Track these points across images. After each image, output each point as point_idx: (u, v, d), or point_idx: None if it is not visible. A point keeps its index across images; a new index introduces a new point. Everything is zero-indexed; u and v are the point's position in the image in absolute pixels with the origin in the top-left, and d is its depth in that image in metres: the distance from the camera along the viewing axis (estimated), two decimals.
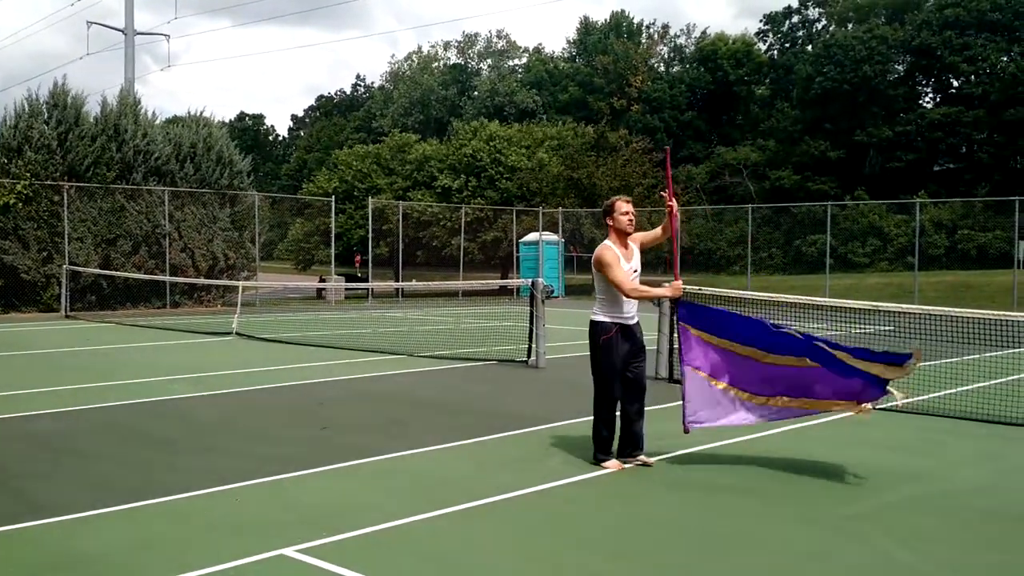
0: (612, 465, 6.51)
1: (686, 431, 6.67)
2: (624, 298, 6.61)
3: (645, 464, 6.61)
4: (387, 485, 6.24)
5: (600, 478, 6.33)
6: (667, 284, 6.84)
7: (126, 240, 24.55)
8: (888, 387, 6.35)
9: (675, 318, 6.67)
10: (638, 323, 6.75)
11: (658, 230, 7.10)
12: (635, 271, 6.72)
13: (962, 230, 42.23)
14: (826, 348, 6.36)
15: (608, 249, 6.63)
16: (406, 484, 6.26)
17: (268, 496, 5.90)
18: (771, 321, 6.70)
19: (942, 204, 42.34)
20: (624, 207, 6.70)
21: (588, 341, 6.76)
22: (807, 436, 7.94)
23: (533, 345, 12.57)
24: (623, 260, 6.63)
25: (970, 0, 51.46)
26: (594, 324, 6.71)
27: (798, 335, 6.46)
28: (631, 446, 6.67)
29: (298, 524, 5.21)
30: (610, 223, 6.74)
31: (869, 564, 4.68)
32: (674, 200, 6.86)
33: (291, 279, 38.77)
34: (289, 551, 4.72)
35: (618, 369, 6.57)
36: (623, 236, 6.73)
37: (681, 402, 6.71)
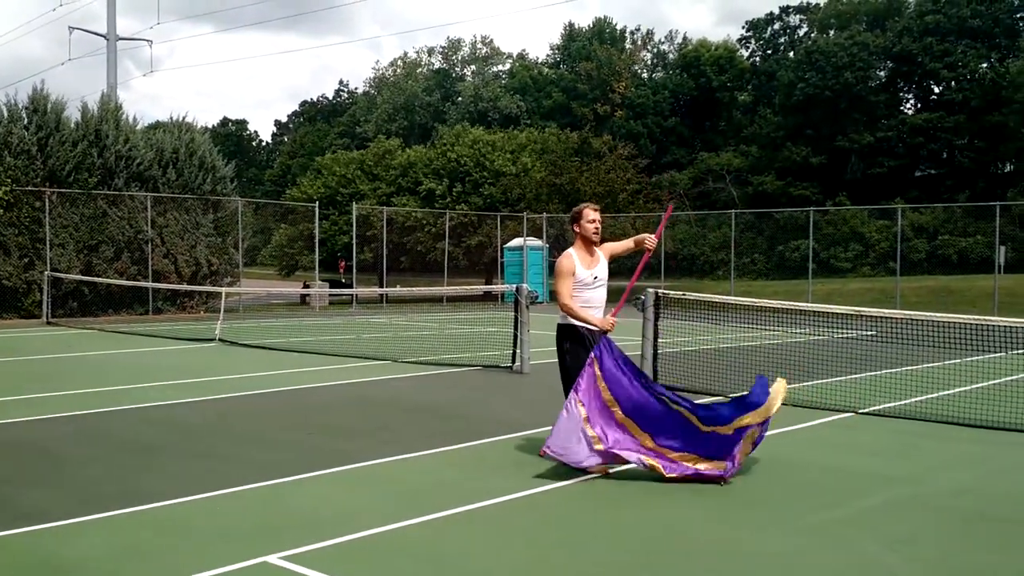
0: (596, 469, 6.52)
1: (541, 454, 6.42)
2: (585, 296, 6.74)
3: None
4: (372, 491, 6.23)
5: (585, 482, 6.33)
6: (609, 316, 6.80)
7: (108, 246, 24.42)
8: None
9: (593, 350, 6.53)
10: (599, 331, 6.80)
11: (630, 242, 7.21)
12: (596, 277, 6.80)
13: (943, 235, 42.55)
14: (700, 426, 6.36)
15: (567, 258, 6.76)
16: (391, 490, 6.25)
17: (253, 502, 5.88)
18: (665, 398, 6.46)
19: (923, 209, 42.63)
20: (591, 215, 6.81)
21: (556, 346, 6.86)
22: (789, 441, 7.98)
23: (518, 351, 12.58)
24: (582, 267, 6.72)
25: (950, 7, 51.91)
26: (560, 328, 6.83)
27: (682, 414, 6.37)
28: None
29: (283, 530, 5.20)
30: (577, 230, 6.86)
31: (852, 568, 4.71)
32: (654, 243, 6.94)
33: (275, 285, 38.72)
34: (273, 558, 4.71)
35: None
36: (589, 244, 6.83)
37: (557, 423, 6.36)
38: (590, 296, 6.75)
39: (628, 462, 6.34)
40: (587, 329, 6.70)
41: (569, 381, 6.69)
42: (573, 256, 6.75)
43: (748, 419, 6.36)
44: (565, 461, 6.35)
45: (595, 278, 6.76)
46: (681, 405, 6.45)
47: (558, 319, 6.85)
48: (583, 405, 6.31)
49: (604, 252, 6.94)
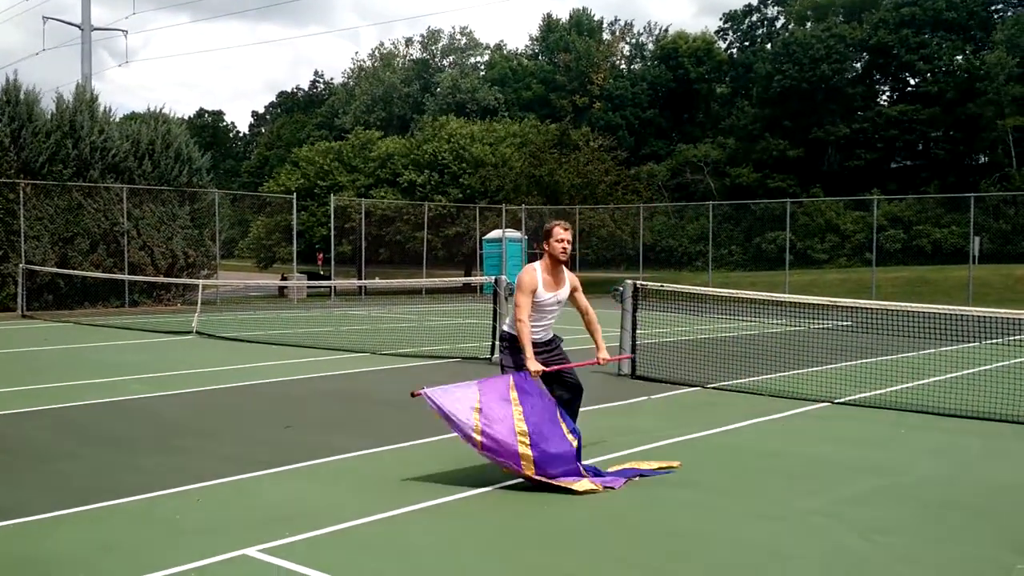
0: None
1: (414, 394, 6.16)
2: (538, 315, 6.51)
3: None
4: (350, 483, 6.23)
5: None
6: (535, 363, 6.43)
7: (84, 238, 24.22)
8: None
9: (514, 375, 6.34)
10: (552, 339, 6.72)
11: (589, 325, 6.88)
12: (559, 302, 6.59)
13: (918, 226, 42.89)
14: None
15: (529, 273, 6.47)
16: (369, 482, 6.25)
17: (231, 496, 5.87)
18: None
19: (898, 201, 42.96)
20: (561, 234, 6.49)
21: (508, 352, 6.57)
22: (765, 430, 8.04)
23: (496, 342, 12.58)
24: (544, 288, 6.47)
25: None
26: (506, 336, 6.62)
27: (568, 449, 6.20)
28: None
29: (261, 523, 5.19)
30: (545, 248, 6.56)
31: (829, 558, 4.75)
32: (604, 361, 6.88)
33: (252, 277, 38.56)
34: (252, 551, 4.70)
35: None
36: (557, 263, 6.54)
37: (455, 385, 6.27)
38: (543, 314, 6.57)
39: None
40: (536, 339, 6.51)
41: None
42: (537, 274, 6.48)
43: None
44: (437, 407, 6.05)
45: (557, 301, 6.57)
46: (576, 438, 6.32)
47: (505, 327, 6.66)
48: (483, 393, 6.12)
49: (571, 282, 6.68)
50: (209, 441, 7.54)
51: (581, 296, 6.81)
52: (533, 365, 6.32)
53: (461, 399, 6.10)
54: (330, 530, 5.08)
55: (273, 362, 12.76)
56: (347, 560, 4.65)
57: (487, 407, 6.08)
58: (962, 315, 11.35)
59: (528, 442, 6.00)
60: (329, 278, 33.44)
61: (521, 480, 6.15)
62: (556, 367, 6.54)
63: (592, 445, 7.15)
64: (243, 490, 5.99)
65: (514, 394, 6.17)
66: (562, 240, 6.48)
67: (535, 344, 6.45)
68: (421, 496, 5.74)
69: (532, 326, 6.45)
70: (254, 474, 6.33)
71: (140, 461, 6.79)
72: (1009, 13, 52.78)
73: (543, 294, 6.48)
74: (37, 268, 22.76)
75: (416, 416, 8.66)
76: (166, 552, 4.70)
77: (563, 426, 6.23)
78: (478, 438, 5.97)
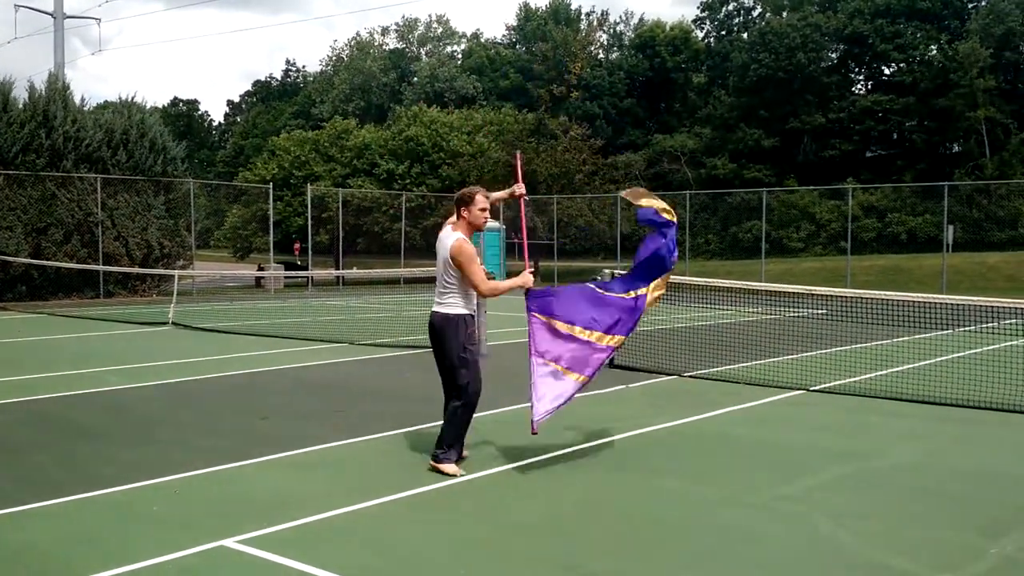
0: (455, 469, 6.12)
1: (534, 432, 6.08)
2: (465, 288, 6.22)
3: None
4: (328, 474, 6.23)
5: (539, 463, 6.38)
6: (521, 274, 6.39)
7: (57, 229, 23.96)
8: None
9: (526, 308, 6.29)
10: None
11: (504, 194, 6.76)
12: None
13: (892, 214, 43.20)
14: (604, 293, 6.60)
15: (468, 242, 6.12)
16: (347, 473, 6.25)
17: (208, 488, 5.85)
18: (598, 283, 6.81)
19: (873, 190, 43.25)
20: (483, 203, 6.22)
21: (444, 335, 6.22)
22: (741, 418, 8.10)
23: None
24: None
25: None
26: (459, 318, 6.21)
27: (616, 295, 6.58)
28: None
29: (239, 515, 5.18)
30: (465, 215, 6.20)
31: (802, 544, 4.81)
32: (518, 187, 6.65)
33: (229, 267, 38.35)
34: (229, 542, 4.69)
35: None
36: (472, 232, 6.25)
37: (530, 402, 6.10)
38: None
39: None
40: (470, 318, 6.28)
41: (474, 368, 6.22)
42: (470, 241, 6.20)
43: (644, 289, 6.60)
44: (552, 410, 6.04)
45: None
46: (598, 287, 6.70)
47: (447, 309, 6.23)
48: (552, 360, 6.16)
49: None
50: (186, 432, 7.51)
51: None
52: (522, 279, 6.26)
53: (553, 386, 6.14)
54: (308, 520, 5.08)
55: (250, 353, 12.71)
56: (326, 550, 4.66)
57: (569, 359, 6.23)
58: (935, 303, 11.49)
59: (589, 330, 6.33)
60: (306, 268, 33.30)
61: (502, 469, 6.17)
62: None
63: (569, 433, 7.19)
64: (221, 481, 5.98)
65: (559, 324, 6.31)
66: (485, 209, 6.26)
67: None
68: (401, 486, 5.75)
69: (472, 300, 6.28)
70: (231, 465, 6.32)
71: (116, 453, 6.75)
72: (983, 3, 53.12)
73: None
74: (10, 259, 22.52)
75: (394, 406, 8.68)
76: (142, 544, 4.68)
77: (604, 292, 6.58)
78: (582, 377, 6.21)
